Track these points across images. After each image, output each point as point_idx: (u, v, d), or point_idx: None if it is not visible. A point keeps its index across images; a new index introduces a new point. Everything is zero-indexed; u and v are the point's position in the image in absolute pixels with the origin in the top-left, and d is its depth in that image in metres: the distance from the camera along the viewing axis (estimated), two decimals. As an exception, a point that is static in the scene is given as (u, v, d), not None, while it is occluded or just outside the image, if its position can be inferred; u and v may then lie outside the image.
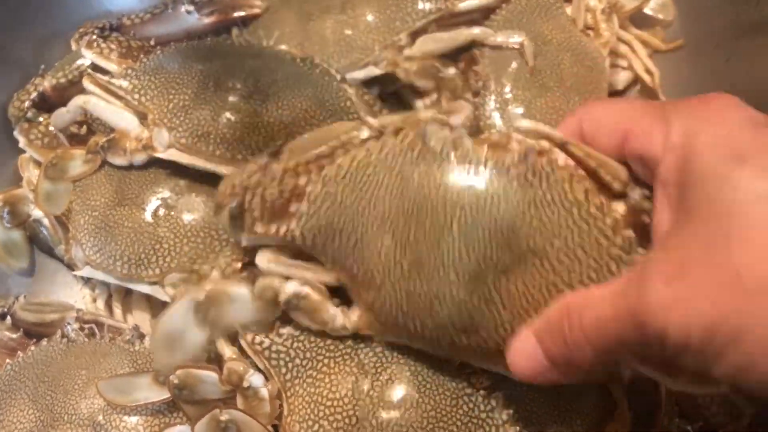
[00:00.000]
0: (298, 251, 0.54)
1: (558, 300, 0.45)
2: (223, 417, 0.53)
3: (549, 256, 0.45)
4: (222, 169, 0.66)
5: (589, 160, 0.45)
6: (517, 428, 0.53)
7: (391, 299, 0.49)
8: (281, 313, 0.55)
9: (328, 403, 0.53)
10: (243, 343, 0.56)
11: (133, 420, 0.58)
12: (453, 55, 0.75)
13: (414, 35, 0.75)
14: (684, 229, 0.38)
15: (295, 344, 0.55)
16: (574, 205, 0.46)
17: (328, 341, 0.54)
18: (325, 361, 0.54)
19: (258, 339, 0.55)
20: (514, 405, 0.55)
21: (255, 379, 0.54)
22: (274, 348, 0.55)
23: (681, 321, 0.35)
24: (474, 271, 0.46)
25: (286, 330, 0.55)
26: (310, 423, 0.52)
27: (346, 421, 0.52)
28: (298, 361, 0.54)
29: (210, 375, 0.55)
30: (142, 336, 0.63)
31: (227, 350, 0.56)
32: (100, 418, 0.58)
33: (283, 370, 0.54)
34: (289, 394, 0.54)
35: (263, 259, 0.54)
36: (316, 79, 0.71)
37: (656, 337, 0.37)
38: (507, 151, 0.46)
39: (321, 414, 0.52)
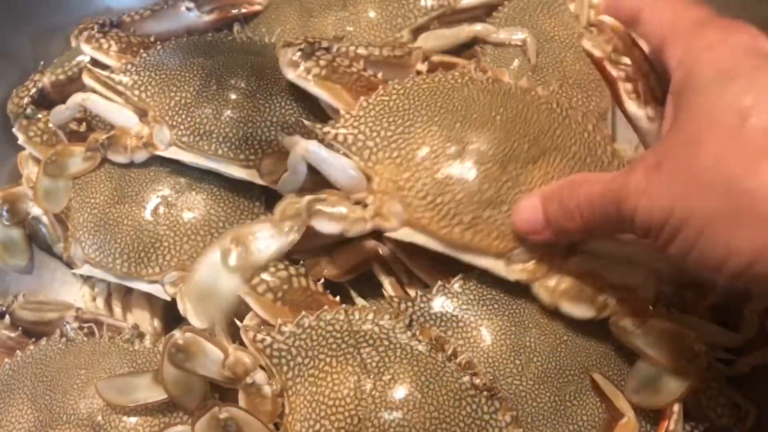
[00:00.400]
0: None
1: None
2: (222, 415, 0.51)
3: (567, 155, 0.57)
4: (224, 168, 0.65)
5: (645, 64, 0.58)
6: (521, 430, 0.52)
7: (428, 175, 0.56)
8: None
9: (330, 403, 0.51)
10: (245, 340, 0.54)
11: (132, 420, 0.57)
12: (455, 52, 0.74)
13: (416, 32, 0.75)
14: (671, 131, 0.45)
15: (297, 342, 0.54)
16: (585, 131, 0.59)
17: (330, 339, 0.53)
18: (327, 359, 0.53)
19: (260, 337, 0.54)
20: (518, 407, 0.54)
21: (259, 376, 0.53)
22: (275, 346, 0.54)
23: (647, 205, 0.43)
24: (509, 153, 0.56)
25: (287, 328, 0.54)
26: (311, 422, 0.51)
27: (348, 421, 0.51)
28: (299, 359, 0.53)
29: (215, 351, 0.53)
30: (141, 335, 0.62)
31: (231, 346, 0.54)
32: (100, 418, 0.57)
33: (285, 368, 0.53)
34: (290, 392, 0.53)
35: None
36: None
37: (628, 216, 0.45)
38: (536, 90, 0.61)
39: (323, 413, 0.51)
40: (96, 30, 0.72)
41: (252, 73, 0.68)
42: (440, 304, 0.57)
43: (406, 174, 0.56)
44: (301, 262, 0.59)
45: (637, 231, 0.45)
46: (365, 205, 0.57)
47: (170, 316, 0.67)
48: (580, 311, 0.55)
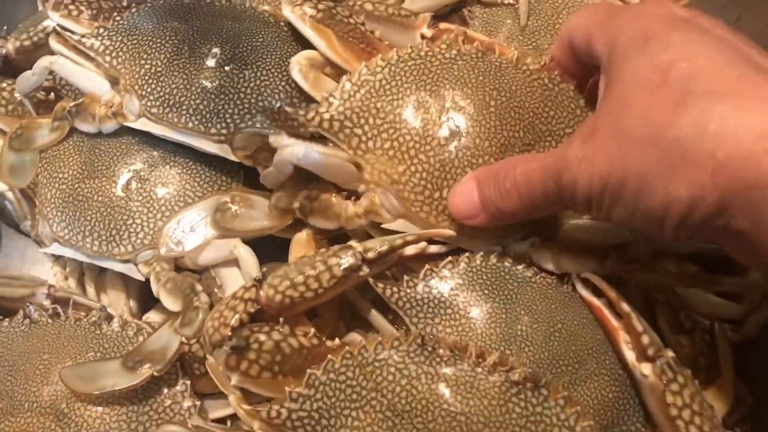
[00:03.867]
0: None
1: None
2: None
3: (562, 139, 0.54)
4: (194, 141, 0.59)
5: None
6: (578, 407, 0.46)
7: (423, 169, 0.53)
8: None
9: None
10: (255, 426, 0.47)
11: (98, 408, 0.51)
12: (443, 16, 0.67)
13: (404, -6, 0.67)
14: (602, 101, 0.45)
15: (314, 404, 0.46)
16: (578, 107, 0.56)
17: (348, 390, 0.46)
18: (354, 413, 0.46)
19: (273, 413, 0.46)
20: (567, 389, 0.48)
21: None
22: (294, 416, 0.46)
23: (585, 173, 0.42)
24: (505, 143, 0.53)
25: (298, 392, 0.46)
26: None
27: None
28: (324, 421, 0.46)
29: None
30: (109, 317, 0.55)
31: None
32: (64, 405, 0.51)
33: None
34: None
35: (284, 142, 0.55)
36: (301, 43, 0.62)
37: (569, 188, 0.43)
38: (527, 63, 0.56)
39: None
40: (64, -6, 0.64)
41: (227, 40, 0.61)
42: (427, 288, 0.51)
43: (400, 168, 0.52)
44: (281, 320, 0.49)
45: (578, 203, 0.44)
46: (357, 198, 0.54)
47: (146, 295, 0.61)
48: (582, 265, 0.52)
